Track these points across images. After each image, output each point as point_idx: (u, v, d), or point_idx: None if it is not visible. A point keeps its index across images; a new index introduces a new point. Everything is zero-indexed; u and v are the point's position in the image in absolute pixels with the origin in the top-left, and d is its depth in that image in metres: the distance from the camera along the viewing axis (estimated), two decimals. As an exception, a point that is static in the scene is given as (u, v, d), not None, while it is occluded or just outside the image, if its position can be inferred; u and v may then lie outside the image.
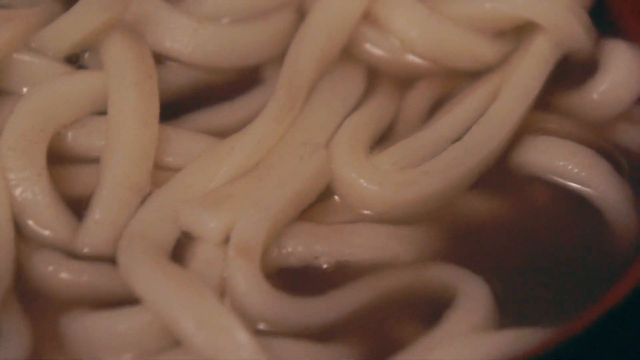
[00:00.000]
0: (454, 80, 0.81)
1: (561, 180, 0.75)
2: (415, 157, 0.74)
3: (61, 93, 0.74)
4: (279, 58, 0.80)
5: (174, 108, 0.79)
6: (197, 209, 0.70)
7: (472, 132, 0.75)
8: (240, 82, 0.81)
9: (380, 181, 0.72)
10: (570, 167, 0.75)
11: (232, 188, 0.71)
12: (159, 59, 0.80)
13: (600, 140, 0.79)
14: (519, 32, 0.82)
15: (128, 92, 0.74)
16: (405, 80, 0.82)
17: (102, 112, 0.76)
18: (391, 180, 0.72)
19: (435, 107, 0.81)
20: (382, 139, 0.78)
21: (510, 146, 0.77)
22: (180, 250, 0.71)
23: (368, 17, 0.82)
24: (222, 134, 0.76)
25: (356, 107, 0.78)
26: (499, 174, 0.77)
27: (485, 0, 0.81)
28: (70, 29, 0.76)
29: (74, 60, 0.79)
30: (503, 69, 0.80)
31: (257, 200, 0.70)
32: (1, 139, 0.72)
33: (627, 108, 0.80)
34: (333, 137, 0.75)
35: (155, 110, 0.74)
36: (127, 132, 0.73)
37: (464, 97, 0.78)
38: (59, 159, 0.75)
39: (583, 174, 0.74)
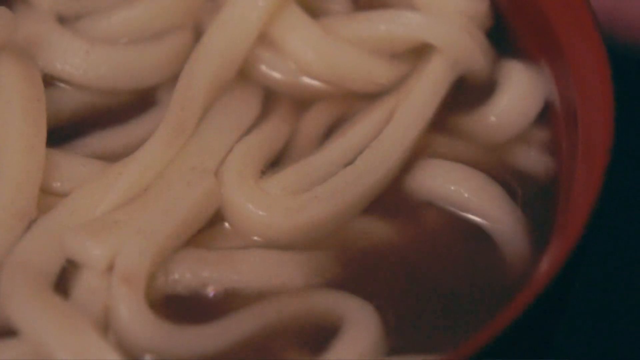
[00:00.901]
0: (352, 102, 0.81)
1: (453, 206, 0.75)
2: (306, 182, 0.74)
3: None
4: (174, 79, 0.79)
5: (66, 131, 0.77)
6: (82, 236, 0.69)
7: (363, 155, 0.75)
8: (134, 104, 0.80)
9: (269, 206, 0.72)
10: (461, 191, 0.75)
11: (118, 215, 0.70)
12: (51, 81, 0.78)
13: (496, 164, 0.78)
14: (416, 53, 0.82)
15: (14, 117, 0.73)
16: (302, 102, 0.81)
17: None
18: (280, 206, 0.72)
19: (332, 130, 0.80)
20: (277, 162, 0.77)
21: (404, 169, 0.76)
22: (65, 278, 0.69)
23: (264, 39, 0.81)
24: (115, 158, 0.75)
25: (250, 130, 0.77)
26: (393, 197, 0.76)
27: (380, 22, 0.80)
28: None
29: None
30: (398, 92, 0.79)
31: (143, 227, 0.69)
32: None
33: (524, 130, 0.80)
34: (223, 162, 0.73)
35: (42, 135, 0.73)
36: (12, 157, 0.72)
37: (358, 120, 0.78)
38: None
39: (475, 199, 0.74)
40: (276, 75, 0.82)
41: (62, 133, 0.77)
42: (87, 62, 0.78)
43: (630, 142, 0.81)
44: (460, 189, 0.75)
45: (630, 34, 0.92)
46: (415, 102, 0.78)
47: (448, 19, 0.80)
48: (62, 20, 0.82)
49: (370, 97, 0.81)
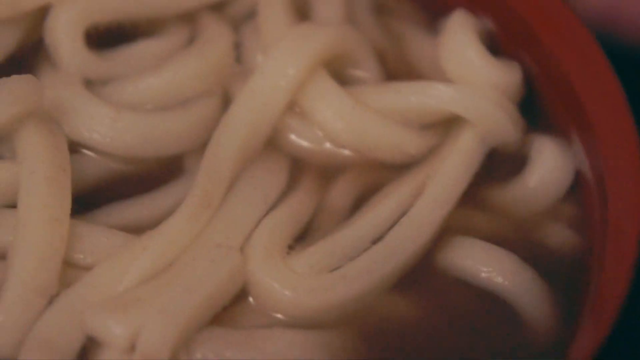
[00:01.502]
0: (380, 172, 0.80)
1: (484, 286, 0.74)
2: (333, 259, 0.73)
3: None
4: (202, 147, 0.79)
5: (90, 199, 0.76)
6: (103, 314, 0.68)
7: (393, 233, 0.74)
8: (161, 172, 0.79)
9: (295, 286, 0.71)
10: (493, 274, 0.73)
11: (141, 292, 0.69)
12: (76, 147, 0.77)
13: (525, 238, 0.77)
14: (447, 124, 0.81)
15: (38, 187, 0.72)
16: (329, 172, 0.80)
17: (13, 205, 0.73)
18: (306, 285, 0.71)
19: (361, 200, 0.79)
20: (304, 235, 0.76)
21: (435, 246, 0.75)
22: (86, 356, 0.68)
23: (292, 108, 0.80)
24: (140, 229, 0.74)
25: (277, 203, 0.76)
26: (422, 274, 0.75)
27: (411, 94, 0.79)
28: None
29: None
30: (428, 164, 0.79)
31: (166, 306, 0.68)
32: None
33: (553, 205, 0.79)
34: (250, 237, 0.72)
35: (67, 206, 0.72)
36: (34, 230, 0.71)
37: (387, 194, 0.77)
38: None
39: (505, 282, 0.73)
40: (304, 143, 0.81)
41: (86, 201, 0.76)
42: (114, 129, 0.77)
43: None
44: (491, 271, 0.73)
45: (630, 34, 0.91)
46: (447, 177, 0.77)
47: (479, 92, 0.79)
48: (89, 84, 0.81)
49: (399, 167, 0.80)
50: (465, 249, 0.74)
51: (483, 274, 0.73)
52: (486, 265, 0.73)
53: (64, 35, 0.80)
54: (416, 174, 0.78)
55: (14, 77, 0.75)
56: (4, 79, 0.75)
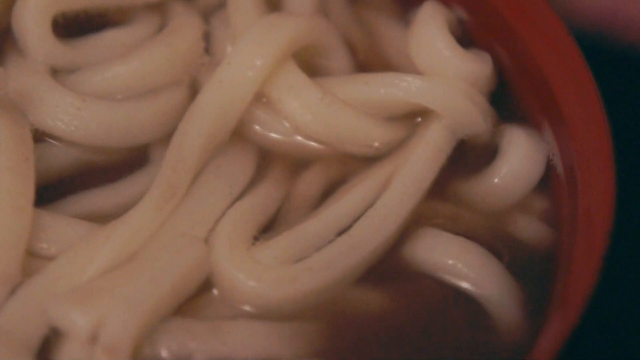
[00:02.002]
0: (348, 164, 0.79)
1: (450, 278, 0.73)
2: (299, 250, 0.72)
3: None
4: (168, 137, 0.78)
5: (54, 189, 0.76)
6: (66, 304, 0.67)
7: (359, 224, 0.73)
8: (126, 162, 0.78)
9: (260, 277, 0.70)
10: (459, 266, 0.73)
11: (104, 281, 0.69)
12: (41, 137, 0.76)
13: (494, 231, 0.77)
14: (415, 116, 0.80)
15: (1, 176, 0.71)
16: (297, 164, 0.79)
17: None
18: (271, 276, 0.70)
19: (329, 192, 0.78)
20: (270, 226, 0.75)
21: (401, 238, 0.75)
22: (49, 346, 0.68)
23: (259, 98, 0.79)
24: (105, 218, 0.74)
25: (243, 193, 0.75)
26: (387, 266, 0.74)
27: (380, 85, 0.78)
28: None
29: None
30: (396, 157, 0.78)
31: (129, 296, 0.67)
32: None
33: (524, 197, 0.78)
34: (214, 227, 0.72)
35: (30, 195, 0.71)
36: (-3, 218, 0.70)
37: (353, 185, 0.76)
38: None
39: (472, 274, 0.73)
40: (271, 135, 0.80)
41: (50, 191, 0.75)
42: (78, 118, 0.76)
43: (630, 143, 0.80)
44: (458, 263, 0.73)
45: (630, 34, 0.91)
46: (414, 169, 0.76)
47: (448, 84, 0.78)
48: (56, 72, 0.80)
49: (367, 159, 0.79)
50: (431, 240, 0.74)
51: (449, 266, 0.72)
52: (452, 257, 0.73)
53: (31, 23, 0.79)
54: (384, 165, 0.78)
55: (-24, 66, 0.74)
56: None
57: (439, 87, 0.78)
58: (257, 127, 0.80)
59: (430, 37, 0.80)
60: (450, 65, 0.79)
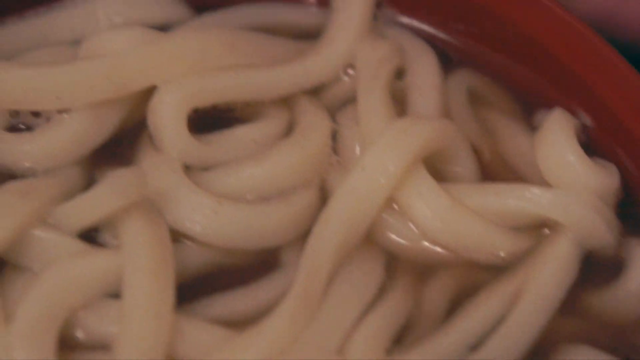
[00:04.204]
0: (475, 273, 0.80)
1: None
2: (431, 368, 0.73)
3: (74, 277, 0.73)
4: (298, 240, 0.79)
5: (189, 290, 0.77)
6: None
7: (490, 343, 0.74)
8: (257, 264, 0.79)
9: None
10: None
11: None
12: (176, 236, 0.78)
13: (623, 345, 0.77)
14: (541, 227, 0.81)
15: (143, 281, 0.73)
16: (423, 270, 0.80)
17: (115, 294, 0.74)
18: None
19: (456, 300, 0.78)
20: (400, 337, 0.76)
21: (531, 355, 0.75)
22: None
23: (389, 203, 0.80)
24: (238, 323, 0.75)
25: (374, 301, 0.76)
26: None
27: (509, 197, 0.79)
28: (86, 210, 0.75)
29: (92, 233, 0.77)
30: (523, 268, 0.79)
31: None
32: (12, 328, 0.70)
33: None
34: (349, 341, 0.73)
35: (170, 300, 0.73)
36: (138, 324, 0.71)
37: (482, 300, 0.77)
38: (69, 345, 0.73)
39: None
40: (399, 240, 0.81)
41: (185, 291, 0.76)
42: (215, 221, 0.78)
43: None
44: None
45: (630, 33, 0.91)
46: (544, 285, 0.77)
47: (579, 198, 0.79)
48: (189, 169, 0.81)
49: (493, 268, 0.80)
50: (569, 356, 0.74)
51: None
52: None
53: (168, 119, 0.81)
54: (511, 278, 0.78)
55: (120, 170, 0.75)
56: (111, 172, 0.75)
57: (569, 201, 0.79)
58: (385, 232, 0.81)
59: (560, 148, 0.81)
60: (580, 178, 0.80)
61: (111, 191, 0.74)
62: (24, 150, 0.79)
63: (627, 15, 0.90)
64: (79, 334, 0.74)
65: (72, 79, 0.80)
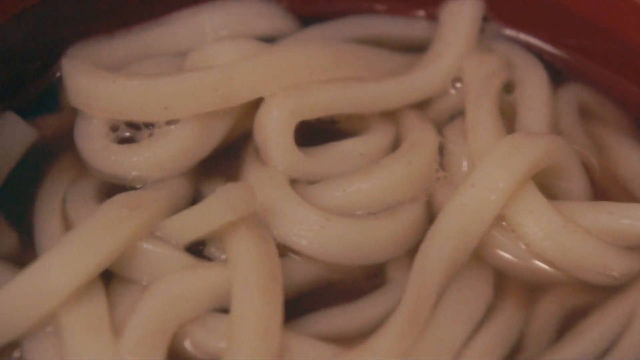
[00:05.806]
0: (585, 293, 0.78)
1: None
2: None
3: (184, 291, 0.73)
4: (405, 256, 0.78)
5: (295, 304, 0.76)
6: None
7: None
8: (363, 280, 0.78)
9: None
10: None
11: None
12: (282, 251, 0.77)
13: None
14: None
15: (252, 297, 0.72)
16: (533, 288, 0.79)
17: (223, 309, 0.74)
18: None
19: (566, 321, 0.77)
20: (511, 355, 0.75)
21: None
22: None
23: (498, 221, 0.79)
24: (345, 340, 0.74)
25: (483, 320, 0.75)
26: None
27: (624, 217, 0.78)
28: (196, 224, 0.74)
29: (198, 247, 0.77)
30: (635, 289, 0.77)
31: None
32: (122, 342, 0.70)
33: None
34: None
35: (279, 316, 0.72)
36: (247, 341, 0.71)
37: (594, 323, 0.75)
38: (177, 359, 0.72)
39: None
40: (508, 257, 0.79)
41: (290, 307, 0.75)
42: (322, 236, 0.77)
43: None
44: None
45: None
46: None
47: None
48: (295, 182, 0.80)
49: (603, 289, 0.78)
50: None
51: None
52: None
53: (275, 132, 0.80)
54: (624, 299, 0.77)
55: (230, 184, 0.75)
56: (221, 186, 0.75)
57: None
58: (493, 249, 0.79)
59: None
60: (696, 199, 0.78)
61: (221, 205, 0.73)
62: (133, 161, 0.79)
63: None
64: (188, 348, 0.73)
65: (180, 89, 0.79)
